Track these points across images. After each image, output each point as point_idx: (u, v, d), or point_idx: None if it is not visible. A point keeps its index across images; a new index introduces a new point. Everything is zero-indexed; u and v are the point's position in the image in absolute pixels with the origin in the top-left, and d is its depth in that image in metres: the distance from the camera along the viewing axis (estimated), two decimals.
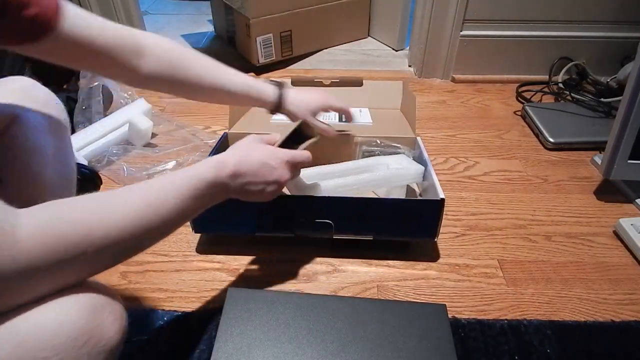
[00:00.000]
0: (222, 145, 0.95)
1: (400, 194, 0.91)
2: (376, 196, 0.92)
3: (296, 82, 1.05)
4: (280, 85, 0.80)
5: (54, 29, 0.50)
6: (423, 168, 0.86)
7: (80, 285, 0.44)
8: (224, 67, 0.73)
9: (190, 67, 0.68)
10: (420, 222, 0.80)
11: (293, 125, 0.75)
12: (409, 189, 0.93)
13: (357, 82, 1.10)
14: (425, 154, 0.90)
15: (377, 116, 1.08)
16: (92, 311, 0.43)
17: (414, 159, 0.92)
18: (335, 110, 0.89)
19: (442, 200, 0.76)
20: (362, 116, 1.08)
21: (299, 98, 0.81)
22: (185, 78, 0.68)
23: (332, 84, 1.09)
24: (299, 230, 0.83)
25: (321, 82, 1.07)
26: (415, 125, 0.99)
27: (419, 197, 0.92)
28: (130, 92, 1.28)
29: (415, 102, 0.98)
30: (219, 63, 0.73)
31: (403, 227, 0.81)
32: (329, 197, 0.79)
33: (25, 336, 0.38)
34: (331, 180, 0.84)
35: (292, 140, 0.72)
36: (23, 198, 0.62)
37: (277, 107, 0.80)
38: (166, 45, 0.66)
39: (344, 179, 0.84)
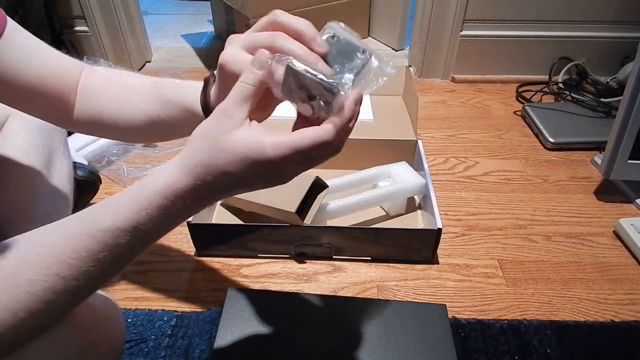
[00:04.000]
0: None
1: (403, 204, 0.94)
2: (381, 208, 0.96)
3: None
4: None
5: None
6: (424, 181, 0.89)
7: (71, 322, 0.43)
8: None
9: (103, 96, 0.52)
10: (418, 248, 0.83)
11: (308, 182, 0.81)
12: (410, 198, 0.96)
13: None
14: (426, 164, 0.92)
15: (378, 107, 1.07)
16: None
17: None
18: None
19: (439, 230, 0.79)
20: (362, 107, 1.08)
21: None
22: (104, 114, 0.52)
23: None
24: (300, 255, 0.85)
25: None
26: (417, 126, 0.99)
27: (419, 210, 0.96)
28: None
29: (417, 103, 0.98)
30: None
31: (400, 253, 0.84)
32: (328, 226, 0.83)
33: None
34: (339, 201, 0.86)
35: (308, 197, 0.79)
36: (10, 200, 0.62)
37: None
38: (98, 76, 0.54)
39: (349, 199, 0.86)
